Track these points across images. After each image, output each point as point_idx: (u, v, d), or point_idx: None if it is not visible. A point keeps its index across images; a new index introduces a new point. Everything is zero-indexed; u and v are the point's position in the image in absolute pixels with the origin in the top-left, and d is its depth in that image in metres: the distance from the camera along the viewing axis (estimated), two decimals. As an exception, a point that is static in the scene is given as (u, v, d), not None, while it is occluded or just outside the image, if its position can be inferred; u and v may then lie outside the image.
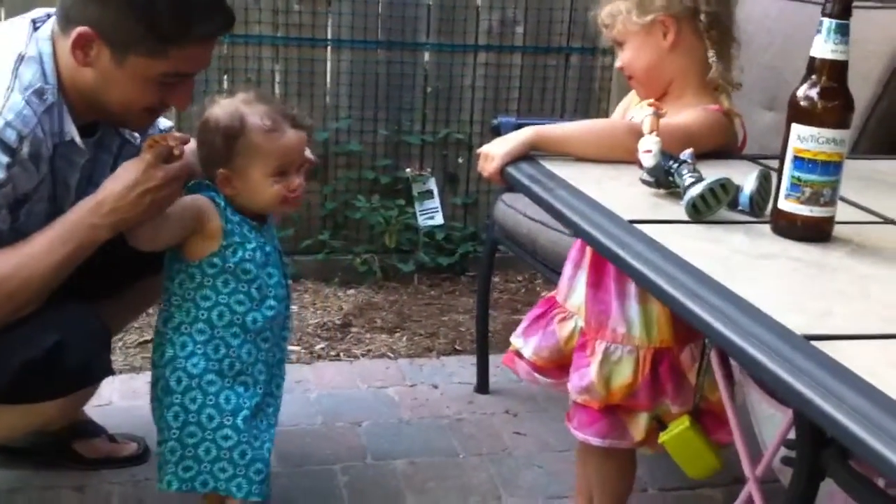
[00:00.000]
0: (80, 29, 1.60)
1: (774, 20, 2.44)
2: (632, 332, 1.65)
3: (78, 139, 1.70)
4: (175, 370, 1.67)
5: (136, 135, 1.89)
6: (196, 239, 1.67)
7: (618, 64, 1.82)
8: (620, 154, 1.63)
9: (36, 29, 1.68)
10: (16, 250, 1.61)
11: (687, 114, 1.71)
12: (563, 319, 1.77)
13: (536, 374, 1.81)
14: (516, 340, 1.84)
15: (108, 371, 1.76)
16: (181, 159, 1.62)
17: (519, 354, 1.83)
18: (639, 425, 1.69)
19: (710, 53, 1.74)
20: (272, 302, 1.71)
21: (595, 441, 1.71)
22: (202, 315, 1.67)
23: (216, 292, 1.67)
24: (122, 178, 1.59)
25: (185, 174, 1.63)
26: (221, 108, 1.66)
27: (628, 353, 1.66)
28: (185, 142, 1.65)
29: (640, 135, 1.56)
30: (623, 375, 1.65)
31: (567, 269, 1.79)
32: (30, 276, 1.60)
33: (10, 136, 1.58)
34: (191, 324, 1.67)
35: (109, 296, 1.98)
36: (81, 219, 1.61)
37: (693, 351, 1.65)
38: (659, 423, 1.70)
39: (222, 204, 1.67)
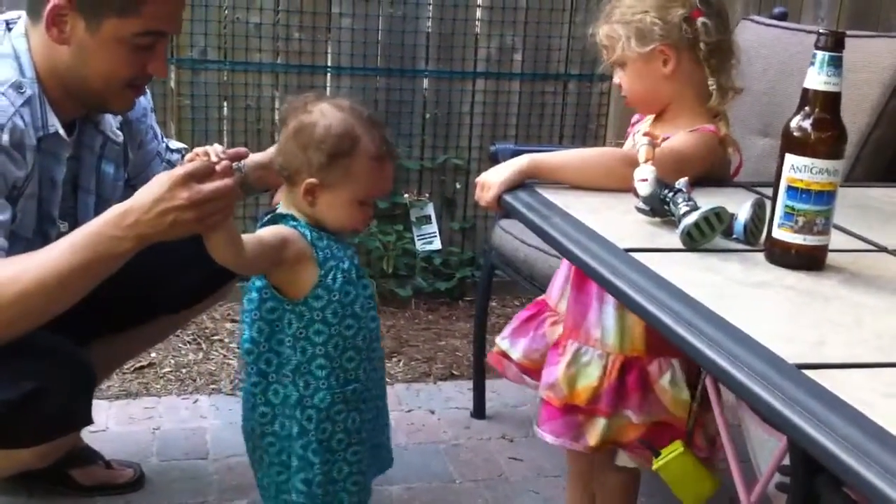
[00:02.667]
0: (52, 2, 1.60)
1: (770, 47, 2.47)
2: (605, 339, 1.69)
3: (62, 131, 1.70)
4: (305, 409, 1.61)
5: (119, 133, 1.88)
6: (290, 274, 1.58)
7: (616, 81, 1.84)
8: (615, 182, 1.65)
9: (9, 29, 1.70)
10: (20, 258, 1.55)
11: (678, 137, 1.73)
12: (555, 323, 1.79)
13: (524, 376, 1.84)
14: (502, 342, 1.87)
15: (88, 420, 1.70)
16: (226, 178, 1.48)
17: (506, 356, 1.86)
18: (595, 430, 1.70)
19: (711, 82, 1.75)
20: (372, 313, 1.67)
21: (548, 439, 1.74)
22: (319, 351, 1.60)
23: (327, 325, 1.60)
24: (151, 190, 1.48)
25: (225, 195, 1.47)
26: (333, 118, 1.57)
27: (598, 357, 1.69)
28: (237, 157, 1.55)
29: (634, 163, 1.57)
30: (589, 378, 1.68)
31: (560, 273, 1.83)
32: (32, 282, 1.50)
33: None
34: (309, 362, 1.61)
35: (118, 333, 1.97)
36: (103, 228, 1.51)
37: (662, 364, 1.67)
38: (651, 450, 1.71)
39: (307, 233, 1.58)
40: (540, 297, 1.88)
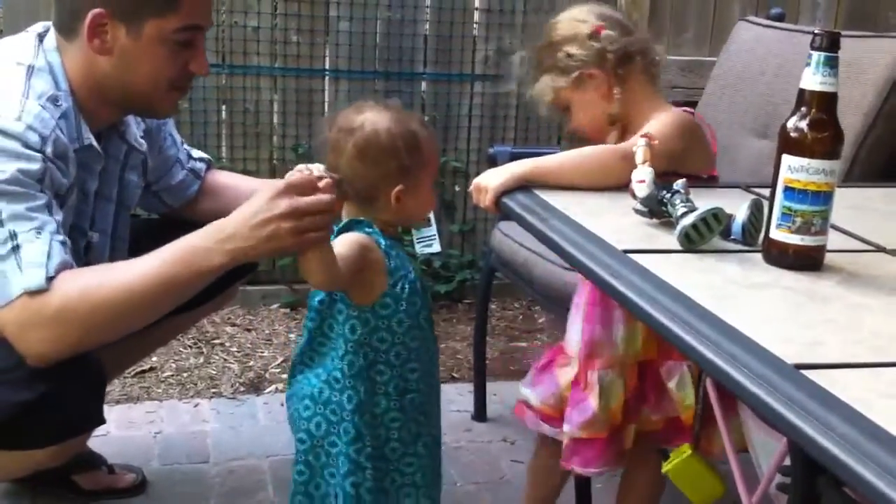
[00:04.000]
0: (92, 13, 1.63)
1: (766, 48, 2.48)
2: (617, 353, 1.73)
3: (95, 143, 1.74)
4: (363, 415, 1.59)
5: (143, 142, 1.91)
6: (364, 280, 1.55)
7: (570, 127, 1.87)
8: (612, 180, 1.66)
9: (41, 41, 1.72)
10: (111, 266, 1.58)
11: (653, 123, 1.74)
12: (563, 366, 1.82)
13: (542, 423, 1.85)
14: (524, 390, 1.88)
15: (100, 421, 1.72)
16: (323, 195, 1.47)
17: (528, 404, 1.88)
18: (629, 436, 1.78)
19: (616, 91, 1.78)
20: (430, 325, 1.67)
21: (602, 471, 1.78)
22: (381, 357, 1.59)
23: (392, 333, 1.59)
24: (251, 203, 1.47)
25: (326, 210, 1.46)
26: (386, 122, 1.56)
27: (617, 375, 1.74)
28: (339, 184, 1.51)
29: (628, 159, 1.59)
30: (617, 395, 1.74)
31: (571, 316, 1.84)
32: (123, 290, 1.51)
33: (33, 139, 1.59)
34: (371, 366, 1.59)
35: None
36: (198, 241, 1.51)
37: (672, 368, 1.72)
38: (662, 454, 1.73)
39: (382, 242, 1.56)
40: (558, 344, 1.89)
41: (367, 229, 1.57)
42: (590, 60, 1.77)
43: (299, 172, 1.49)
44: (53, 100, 1.66)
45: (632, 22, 1.87)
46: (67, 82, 1.70)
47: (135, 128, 1.89)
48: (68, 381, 1.61)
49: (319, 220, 1.45)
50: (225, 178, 2.15)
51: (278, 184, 1.46)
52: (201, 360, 2.87)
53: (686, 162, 1.70)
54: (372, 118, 1.56)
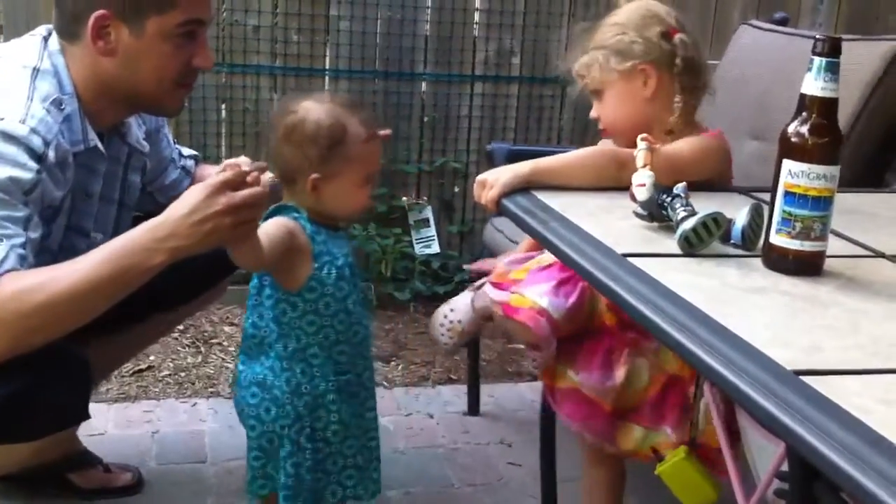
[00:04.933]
0: (94, 14, 1.64)
1: (765, 52, 2.48)
2: (660, 357, 1.68)
3: (100, 144, 1.74)
4: (302, 395, 1.67)
5: (145, 143, 1.91)
6: (290, 264, 1.63)
7: (593, 114, 1.84)
8: (607, 181, 1.67)
9: (46, 44, 1.72)
10: (58, 266, 1.56)
11: (684, 140, 1.74)
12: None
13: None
14: (541, 299, 1.69)
15: (83, 416, 1.72)
16: (254, 187, 1.52)
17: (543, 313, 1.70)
18: (633, 437, 1.72)
19: (677, 98, 1.75)
20: (364, 310, 1.73)
21: (586, 436, 1.74)
22: (312, 340, 1.66)
23: (320, 316, 1.66)
24: (185, 202, 1.51)
25: (258, 202, 1.53)
26: (319, 112, 1.63)
27: (647, 367, 1.69)
28: (262, 169, 1.59)
29: (621, 161, 1.60)
30: (641, 380, 1.69)
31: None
32: (62, 292, 1.51)
33: (37, 143, 1.59)
34: (304, 349, 1.67)
35: (113, 333, 1.98)
36: (136, 240, 1.53)
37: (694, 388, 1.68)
38: (656, 455, 1.72)
39: (307, 227, 1.64)
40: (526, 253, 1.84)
41: (293, 214, 1.64)
42: (653, 56, 1.74)
43: (228, 167, 1.54)
44: (57, 103, 1.66)
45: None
46: (72, 84, 1.70)
47: (136, 129, 1.90)
48: (51, 375, 1.61)
49: (253, 211, 1.52)
50: (211, 172, 2.14)
51: (213, 182, 1.50)
52: (199, 359, 2.87)
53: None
54: (309, 106, 1.64)
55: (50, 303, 1.51)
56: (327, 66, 3.29)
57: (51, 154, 1.61)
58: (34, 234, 1.60)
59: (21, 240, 1.56)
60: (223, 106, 3.25)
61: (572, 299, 1.70)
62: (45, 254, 1.65)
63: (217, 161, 3.17)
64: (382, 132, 1.73)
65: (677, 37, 1.75)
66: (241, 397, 1.72)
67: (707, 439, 1.68)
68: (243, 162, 1.57)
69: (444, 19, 3.32)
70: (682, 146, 1.72)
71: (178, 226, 1.50)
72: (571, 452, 1.97)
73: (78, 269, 1.53)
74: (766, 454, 1.41)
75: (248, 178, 1.52)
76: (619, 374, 1.70)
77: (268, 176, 1.81)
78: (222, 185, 1.50)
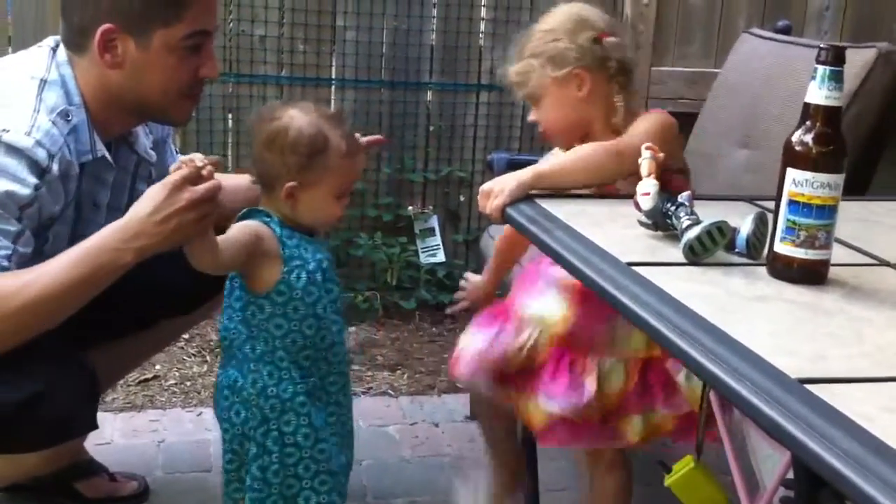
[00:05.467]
0: (101, 28, 1.65)
1: (760, 61, 2.49)
2: (620, 346, 1.72)
3: (108, 155, 1.76)
4: (269, 398, 1.68)
5: (153, 153, 1.92)
6: (256, 268, 1.65)
7: (531, 118, 1.87)
8: (609, 176, 1.70)
9: (55, 54, 1.73)
10: (27, 271, 1.59)
11: (636, 125, 1.75)
12: (517, 330, 1.78)
13: (477, 372, 1.80)
14: (464, 339, 1.83)
15: (92, 426, 1.74)
16: (210, 181, 1.58)
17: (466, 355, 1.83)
18: (633, 427, 1.74)
19: (618, 98, 1.78)
20: (334, 316, 1.73)
21: (588, 446, 1.79)
22: (279, 343, 1.67)
23: (288, 320, 1.67)
24: (148, 202, 1.56)
25: (215, 195, 1.58)
26: (302, 122, 1.64)
27: (617, 362, 1.72)
28: (215, 164, 1.63)
29: (619, 151, 1.63)
30: (616, 382, 1.72)
31: (534, 280, 1.82)
32: (34, 296, 1.55)
33: (41, 155, 1.61)
34: (272, 352, 1.68)
35: (121, 339, 1.99)
36: (103, 242, 1.58)
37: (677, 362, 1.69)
38: (664, 467, 1.72)
39: (278, 230, 1.66)
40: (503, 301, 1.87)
41: (264, 218, 1.66)
42: (586, 61, 1.77)
43: (184, 165, 1.58)
44: (64, 115, 1.67)
45: (629, 38, 1.89)
46: (80, 95, 1.71)
47: (144, 139, 1.91)
48: (58, 385, 1.63)
49: (212, 205, 1.57)
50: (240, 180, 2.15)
51: (173, 179, 1.55)
52: (205, 368, 2.87)
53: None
54: (293, 114, 1.66)
55: (26, 307, 1.55)
56: (333, 76, 3.30)
57: (54, 167, 1.63)
58: (23, 249, 1.62)
59: (6, 252, 1.59)
60: (230, 116, 3.26)
61: (486, 334, 1.78)
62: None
63: (224, 170, 3.19)
64: (369, 139, 1.77)
65: (607, 40, 1.78)
66: (217, 400, 1.75)
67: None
68: (198, 157, 1.59)
69: (449, 29, 3.32)
70: (639, 129, 1.74)
71: (143, 225, 1.55)
72: (558, 462, 1.97)
73: (51, 272, 1.57)
74: (771, 462, 1.41)
75: (204, 173, 1.57)
76: (590, 385, 1.72)
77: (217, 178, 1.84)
78: (182, 181, 1.55)
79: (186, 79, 1.74)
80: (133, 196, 1.91)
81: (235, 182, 2.05)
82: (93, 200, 1.78)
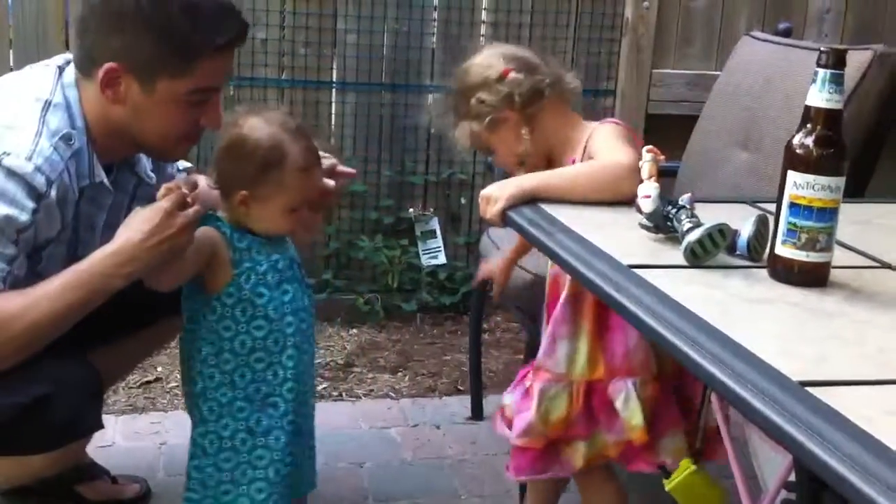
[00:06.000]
0: (106, 66, 1.65)
1: (760, 64, 2.49)
2: (562, 370, 1.74)
3: (106, 181, 1.75)
4: (207, 400, 1.69)
5: (152, 174, 1.92)
6: (211, 271, 1.67)
7: (497, 164, 1.93)
8: (620, 196, 1.66)
9: (61, 75, 1.73)
10: (25, 293, 1.61)
11: (597, 141, 1.77)
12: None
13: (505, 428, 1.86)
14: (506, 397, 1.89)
15: (97, 426, 1.75)
16: (195, 205, 1.62)
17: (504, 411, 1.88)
18: (578, 453, 1.76)
19: (524, 131, 1.81)
20: (290, 318, 1.71)
21: (535, 477, 1.81)
22: (226, 346, 1.68)
23: (235, 322, 1.67)
24: (140, 227, 1.58)
25: (198, 219, 1.63)
26: (262, 132, 1.64)
27: (563, 388, 1.74)
28: (195, 187, 1.66)
29: (630, 170, 1.61)
30: (559, 409, 1.74)
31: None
32: (36, 320, 1.59)
33: (40, 181, 1.61)
34: (216, 355, 1.68)
35: (120, 338, 2.00)
36: (96, 267, 1.60)
37: (617, 385, 1.72)
38: (662, 471, 1.72)
39: (227, 233, 1.67)
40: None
41: (216, 222, 1.68)
42: (500, 104, 1.79)
43: (173, 190, 1.61)
44: (67, 139, 1.67)
45: (542, 56, 1.88)
46: (83, 119, 1.71)
47: (145, 160, 1.90)
48: (63, 384, 1.64)
49: (196, 227, 1.62)
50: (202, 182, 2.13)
51: (165, 206, 1.59)
52: (206, 370, 2.87)
53: None
54: (254, 124, 1.66)
55: (27, 330, 1.59)
56: (334, 79, 3.30)
57: (52, 193, 1.63)
58: (17, 271, 1.63)
59: (2, 274, 1.61)
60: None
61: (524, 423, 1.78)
62: (40, 281, 1.65)
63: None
64: (340, 170, 1.81)
65: (509, 76, 1.80)
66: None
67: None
68: (181, 183, 1.64)
69: (450, 32, 3.33)
70: (601, 146, 1.75)
71: (136, 251, 1.59)
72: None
73: (49, 297, 1.60)
74: (773, 464, 1.42)
75: (189, 199, 1.61)
76: (532, 411, 1.75)
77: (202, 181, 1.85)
78: (174, 207, 1.58)
79: (187, 127, 1.74)
80: None
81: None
82: (90, 223, 1.79)
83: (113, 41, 1.65)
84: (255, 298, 1.67)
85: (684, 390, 1.77)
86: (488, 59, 1.84)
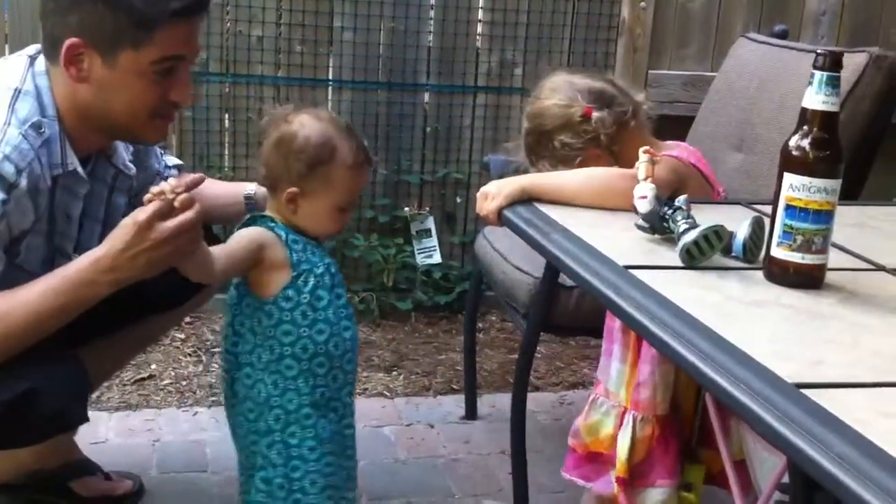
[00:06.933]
0: (67, 42, 1.62)
1: (755, 65, 2.49)
2: (613, 388, 1.71)
3: (80, 169, 1.72)
4: (272, 408, 1.65)
5: (131, 166, 1.89)
6: (263, 274, 1.64)
7: None
8: (615, 200, 1.66)
9: (32, 64, 1.71)
10: (6, 297, 1.59)
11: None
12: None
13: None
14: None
15: (83, 419, 1.73)
16: (183, 215, 1.53)
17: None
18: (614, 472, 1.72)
19: (613, 162, 1.80)
20: (346, 322, 1.69)
21: (579, 482, 1.78)
22: (286, 351, 1.64)
23: (296, 326, 1.64)
24: (119, 238, 1.55)
25: (191, 228, 1.54)
26: (313, 129, 1.63)
27: (612, 408, 1.72)
28: (194, 185, 1.59)
29: (632, 179, 1.59)
30: (607, 427, 1.72)
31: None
32: (15, 324, 1.58)
33: (8, 170, 1.59)
34: (278, 361, 1.64)
35: (110, 335, 1.99)
36: (80, 274, 1.58)
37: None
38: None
39: (283, 235, 1.64)
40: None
41: (269, 224, 1.65)
42: (586, 146, 1.79)
43: (155, 197, 1.53)
44: (36, 127, 1.64)
45: (612, 82, 1.86)
46: (55, 107, 1.68)
47: (123, 151, 1.87)
48: (48, 378, 1.62)
49: (188, 236, 1.53)
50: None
51: (140, 219, 1.52)
52: (200, 368, 2.87)
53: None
54: (305, 121, 1.65)
55: (8, 333, 1.57)
56: (331, 77, 3.30)
57: (23, 182, 1.60)
58: None
59: None
60: (227, 116, 3.26)
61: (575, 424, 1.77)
62: (23, 276, 1.64)
63: (220, 171, 3.19)
64: (372, 163, 1.77)
65: (594, 116, 1.79)
66: (238, 413, 1.72)
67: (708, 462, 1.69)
68: (168, 188, 1.54)
69: (447, 31, 3.33)
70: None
71: (116, 261, 1.55)
72: (554, 464, 1.96)
73: (30, 301, 1.58)
74: (767, 466, 1.42)
75: (177, 204, 1.52)
76: (580, 417, 1.76)
77: (254, 191, 1.85)
78: (149, 220, 1.52)
79: (155, 101, 1.69)
80: (109, 208, 1.88)
81: (226, 190, 2.05)
82: (66, 213, 1.76)
83: (70, 18, 1.62)
84: (315, 302, 1.64)
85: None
86: (565, 96, 1.81)
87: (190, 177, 1.63)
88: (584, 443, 1.75)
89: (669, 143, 1.87)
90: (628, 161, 1.74)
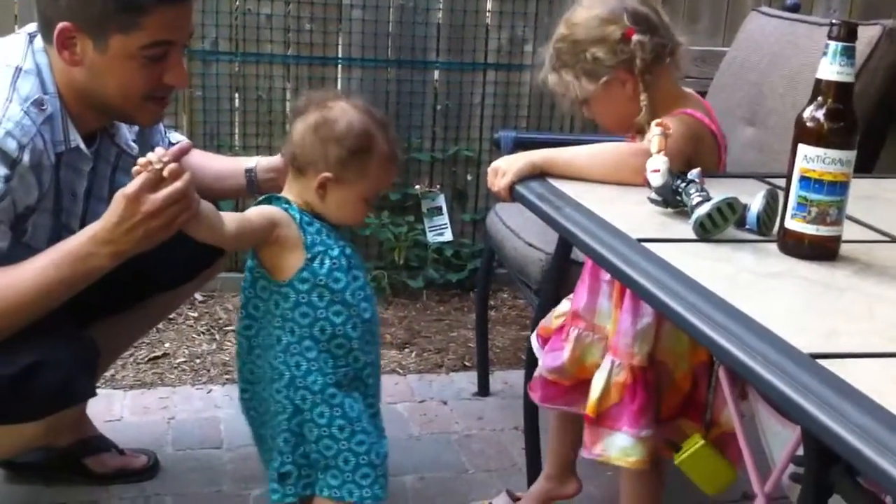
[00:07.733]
0: (59, 26, 1.62)
1: (767, 39, 2.47)
2: (601, 322, 1.78)
3: (83, 145, 1.73)
4: (298, 390, 1.64)
5: (134, 145, 1.90)
6: (277, 256, 1.63)
7: (587, 115, 1.84)
8: (627, 175, 1.65)
9: (32, 42, 1.71)
10: (8, 271, 1.59)
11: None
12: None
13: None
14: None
15: (90, 393, 1.74)
16: (172, 185, 1.51)
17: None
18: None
19: (643, 97, 1.74)
20: (365, 304, 1.69)
21: (563, 408, 1.89)
22: (305, 333, 1.63)
23: (313, 308, 1.63)
24: (113, 212, 1.55)
25: (183, 196, 1.52)
26: (354, 117, 1.63)
27: (598, 340, 1.79)
28: (181, 153, 1.58)
29: (645, 154, 1.57)
30: (594, 355, 1.79)
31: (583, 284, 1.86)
32: (14, 298, 1.58)
33: (11, 146, 1.59)
34: (298, 342, 1.64)
35: (118, 313, 2.00)
36: (78, 247, 1.59)
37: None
38: (673, 446, 1.72)
39: (297, 216, 1.63)
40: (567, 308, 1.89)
41: (283, 205, 1.64)
42: (618, 66, 1.73)
43: (142, 168, 1.52)
44: (38, 104, 1.65)
45: (658, 13, 1.79)
46: (55, 84, 1.68)
47: (126, 130, 1.88)
48: (54, 352, 1.63)
49: (182, 205, 1.52)
50: (196, 159, 2.04)
51: (128, 192, 1.52)
52: (214, 346, 2.88)
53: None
54: (346, 108, 1.64)
55: (8, 308, 1.58)
56: (340, 55, 3.29)
57: (25, 158, 1.61)
58: (1, 243, 1.62)
59: None
60: (236, 94, 3.25)
61: (557, 362, 1.85)
62: (31, 253, 1.65)
63: (231, 149, 3.19)
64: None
65: (634, 38, 1.72)
66: (269, 393, 1.70)
67: (720, 428, 1.70)
68: (155, 157, 1.52)
69: (456, 8, 3.31)
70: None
71: (112, 234, 1.55)
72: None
73: (29, 276, 1.59)
74: (780, 439, 1.42)
75: (165, 174, 1.51)
76: (566, 352, 1.81)
77: (254, 166, 1.87)
78: (136, 193, 1.52)
79: (148, 85, 1.69)
80: (113, 187, 1.87)
81: (225, 164, 2.05)
82: (71, 190, 1.77)
83: (61, 0, 1.62)
84: (331, 283, 1.63)
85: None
86: (609, 12, 1.74)
87: (178, 145, 1.62)
88: (573, 377, 1.83)
89: (690, 93, 1.84)
90: (654, 98, 1.73)
